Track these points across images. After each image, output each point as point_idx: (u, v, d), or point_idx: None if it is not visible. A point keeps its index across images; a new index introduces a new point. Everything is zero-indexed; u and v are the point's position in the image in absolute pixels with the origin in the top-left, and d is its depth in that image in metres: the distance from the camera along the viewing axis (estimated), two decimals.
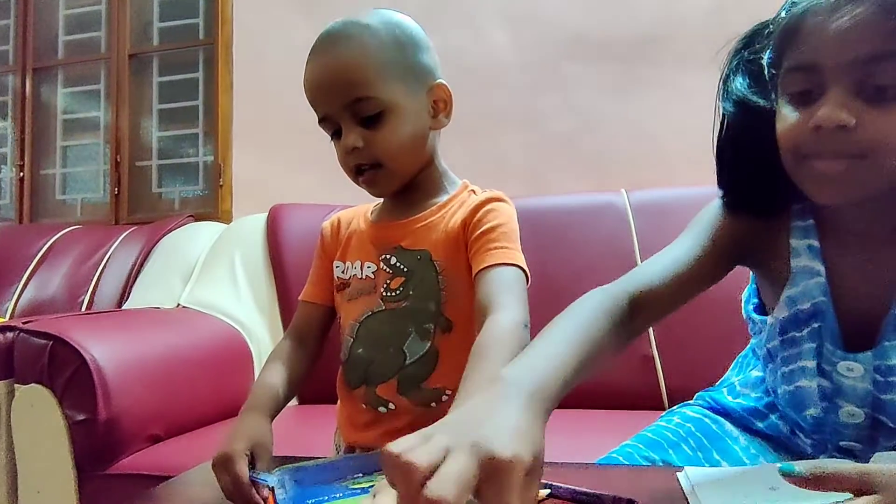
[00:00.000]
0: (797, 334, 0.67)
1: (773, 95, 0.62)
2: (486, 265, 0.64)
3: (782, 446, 0.73)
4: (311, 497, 0.53)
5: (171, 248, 1.84)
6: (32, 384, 1.13)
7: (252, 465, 0.59)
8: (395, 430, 0.67)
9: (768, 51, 0.63)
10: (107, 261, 1.86)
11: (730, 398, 0.82)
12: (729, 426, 0.79)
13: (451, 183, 0.74)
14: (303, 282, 1.71)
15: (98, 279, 1.83)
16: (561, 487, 0.58)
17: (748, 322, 0.77)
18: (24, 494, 1.10)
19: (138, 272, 1.81)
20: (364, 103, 0.65)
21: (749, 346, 0.86)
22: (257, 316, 1.64)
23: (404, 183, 0.70)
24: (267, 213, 1.77)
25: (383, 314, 0.69)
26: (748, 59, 0.67)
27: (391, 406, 0.68)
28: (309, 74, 0.68)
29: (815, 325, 0.66)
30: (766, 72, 0.63)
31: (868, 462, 0.58)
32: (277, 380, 0.69)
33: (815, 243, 0.65)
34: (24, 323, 1.20)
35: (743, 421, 0.78)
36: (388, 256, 0.70)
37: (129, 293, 1.77)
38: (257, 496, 0.56)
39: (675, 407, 0.93)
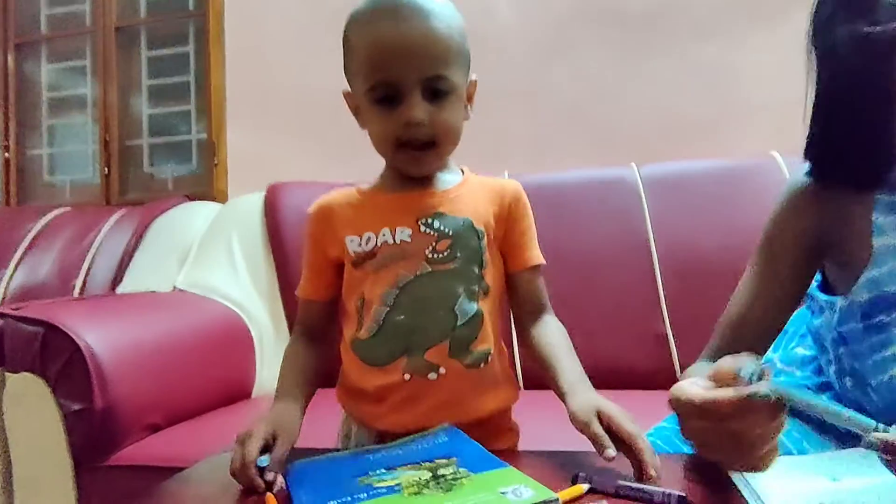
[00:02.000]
0: (885, 319, 0.62)
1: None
2: (533, 264, 0.74)
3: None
4: (333, 498, 0.49)
5: (165, 229, 1.78)
6: (24, 373, 1.08)
7: (267, 449, 0.60)
8: (441, 403, 0.67)
9: None
10: (99, 244, 1.80)
11: None
12: None
13: (452, 165, 0.77)
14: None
15: (91, 263, 1.77)
16: (604, 481, 0.53)
17: (812, 300, 0.72)
18: (19, 487, 1.05)
19: (132, 255, 1.75)
20: (440, 81, 0.66)
21: (790, 321, 0.81)
22: (257, 298, 1.59)
23: (438, 167, 0.72)
24: (264, 192, 1.71)
25: (430, 276, 0.68)
26: None
27: (441, 371, 0.67)
28: (386, 37, 0.65)
29: None
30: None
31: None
32: (300, 373, 0.72)
33: None
34: (13, 309, 1.14)
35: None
36: (430, 221, 0.69)
37: (122, 277, 1.71)
38: (259, 480, 0.57)
39: None
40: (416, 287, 0.67)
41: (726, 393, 0.46)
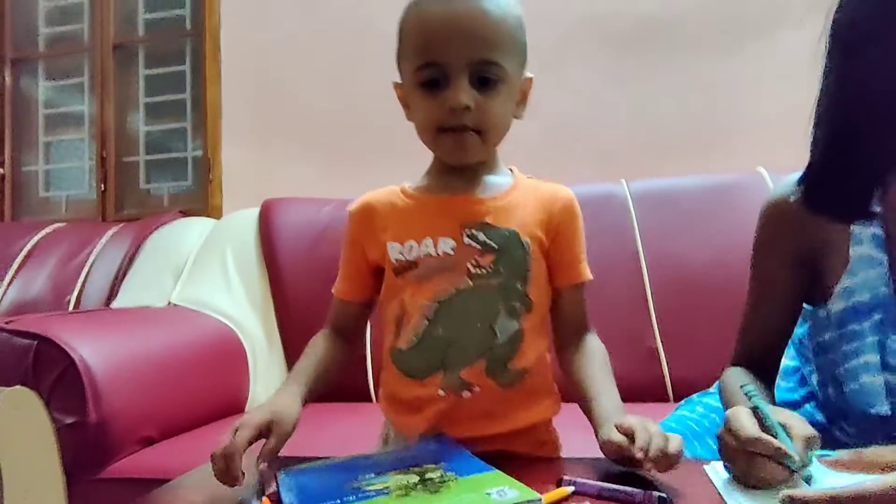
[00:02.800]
0: (857, 328, 0.65)
1: None
2: (579, 281, 0.71)
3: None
4: (322, 500, 0.50)
5: (160, 245, 1.79)
6: (17, 386, 1.08)
7: (261, 435, 0.59)
8: (477, 415, 0.66)
9: None
10: (94, 259, 1.81)
11: None
12: None
13: (501, 166, 0.74)
14: (297, 277, 1.67)
15: (85, 278, 1.77)
16: (586, 484, 0.55)
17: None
18: (11, 500, 1.05)
19: (127, 270, 1.76)
20: (490, 67, 0.63)
21: None
22: (251, 313, 1.60)
23: (482, 158, 0.69)
24: (259, 208, 1.73)
25: (472, 291, 0.66)
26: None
27: (476, 389, 0.66)
28: (436, 17, 0.63)
29: (877, 318, 0.63)
30: None
31: None
32: (315, 363, 0.70)
33: (880, 232, 0.62)
34: (6, 323, 1.15)
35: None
36: (473, 232, 0.66)
37: (117, 292, 1.72)
38: (238, 469, 0.56)
39: (695, 395, 0.90)
40: (456, 302, 0.65)
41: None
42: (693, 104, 1.73)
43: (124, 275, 1.74)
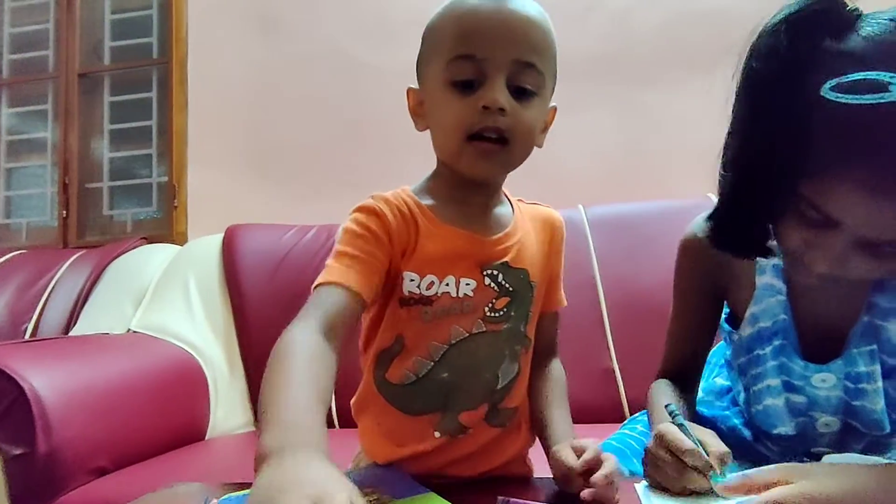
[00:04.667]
0: (760, 352, 0.68)
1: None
2: (560, 307, 0.73)
3: (746, 454, 0.73)
4: None
5: (121, 271, 1.78)
6: None
7: None
8: (465, 456, 0.65)
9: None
10: (53, 286, 1.79)
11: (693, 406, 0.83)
12: None
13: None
14: (259, 303, 1.67)
15: (44, 305, 1.75)
16: (520, 503, 0.56)
17: (722, 331, 0.78)
18: None
19: (87, 297, 1.73)
20: (530, 72, 0.59)
21: (713, 353, 0.87)
22: (213, 339, 1.59)
23: (505, 174, 0.66)
24: (222, 235, 1.73)
25: (483, 336, 0.63)
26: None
27: (469, 431, 0.64)
28: (483, 11, 0.59)
29: (777, 343, 0.67)
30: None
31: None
32: (320, 398, 0.48)
33: (779, 261, 0.66)
34: None
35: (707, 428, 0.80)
36: (495, 273, 0.63)
37: (76, 319, 1.69)
38: None
39: (637, 414, 0.93)
40: (468, 346, 0.62)
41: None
42: (646, 133, 1.80)
43: (84, 302, 1.72)
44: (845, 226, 0.51)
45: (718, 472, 0.55)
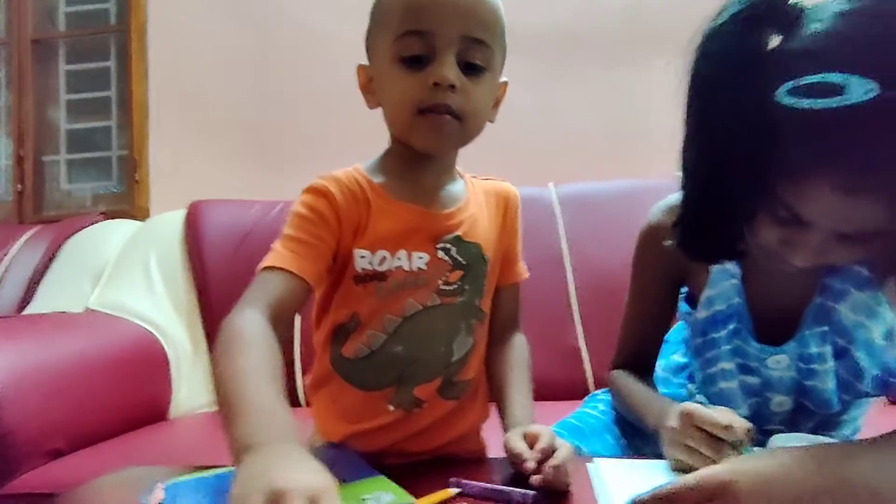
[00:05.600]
0: (715, 335, 0.69)
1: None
2: (519, 280, 0.73)
3: None
4: None
5: (79, 248, 1.72)
6: None
7: None
8: (419, 430, 0.65)
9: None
10: (8, 263, 1.72)
11: None
12: None
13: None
14: (223, 281, 1.63)
15: None
16: (471, 485, 0.56)
17: (680, 312, 0.79)
18: None
19: (43, 274, 1.68)
20: (480, 48, 0.59)
21: (672, 331, 0.87)
22: (175, 317, 1.55)
23: (456, 149, 0.66)
24: (185, 210, 1.68)
25: (437, 309, 0.63)
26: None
27: (424, 405, 0.65)
28: None
29: (731, 327, 0.68)
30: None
31: (766, 445, 0.60)
32: (278, 363, 0.50)
33: None
34: None
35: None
36: (448, 247, 0.64)
37: (31, 298, 1.64)
38: None
39: (597, 392, 0.94)
40: (423, 320, 0.63)
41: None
42: (615, 112, 1.79)
43: (40, 279, 1.67)
44: (821, 225, 0.50)
45: (749, 444, 0.55)
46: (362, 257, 0.62)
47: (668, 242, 0.65)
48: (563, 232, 1.56)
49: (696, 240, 0.61)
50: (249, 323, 0.52)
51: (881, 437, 0.48)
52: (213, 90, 1.94)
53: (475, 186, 0.70)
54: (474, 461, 0.70)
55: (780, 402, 0.69)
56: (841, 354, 0.65)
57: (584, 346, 1.46)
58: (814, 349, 0.64)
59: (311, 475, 0.39)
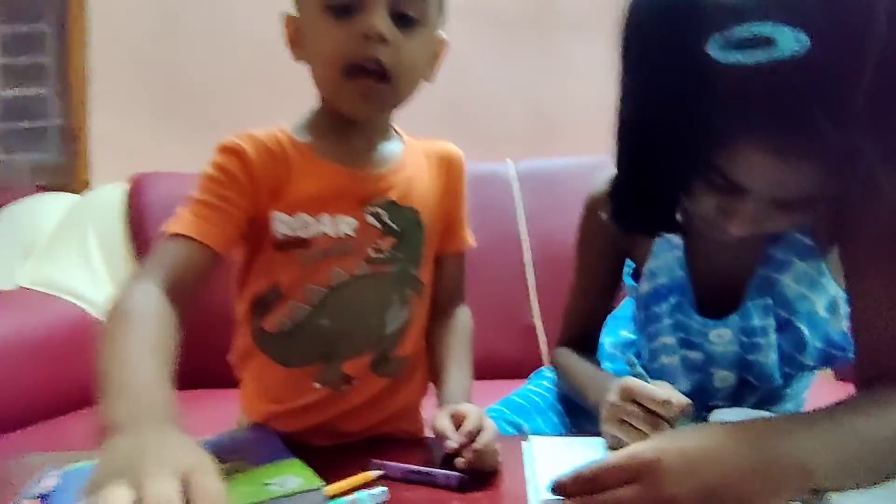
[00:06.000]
0: (657, 310, 0.68)
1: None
2: (464, 249, 0.69)
3: None
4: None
5: (12, 221, 1.62)
6: None
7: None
8: (355, 408, 0.62)
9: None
10: None
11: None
12: None
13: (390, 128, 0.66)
14: None
15: None
16: (393, 467, 0.53)
17: (626, 286, 0.77)
18: None
19: None
20: (413, 1, 0.55)
21: (620, 307, 0.86)
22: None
23: (387, 112, 0.62)
24: (128, 183, 1.60)
25: (367, 279, 0.60)
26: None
27: (355, 382, 0.61)
28: None
29: (673, 301, 0.66)
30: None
31: (709, 419, 0.58)
32: (165, 362, 0.45)
33: (678, 217, 0.64)
34: None
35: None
36: (378, 212, 0.60)
37: None
38: None
39: (542, 368, 0.92)
40: (351, 290, 0.59)
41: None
42: (576, 86, 1.76)
43: None
44: (756, 191, 0.49)
45: (687, 420, 0.54)
46: (281, 221, 0.58)
47: (604, 194, 0.64)
48: (520, 209, 1.54)
49: (629, 210, 0.59)
50: (140, 297, 0.49)
51: (817, 412, 0.46)
52: (157, 58, 1.84)
53: (414, 148, 0.66)
54: (411, 442, 0.67)
55: (724, 377, 0.68)
56: (784, 327, 0.63)
57: (540, 325, 1.45)
58: (756, 322, 0.63)
59: (181, 453, 0.35)
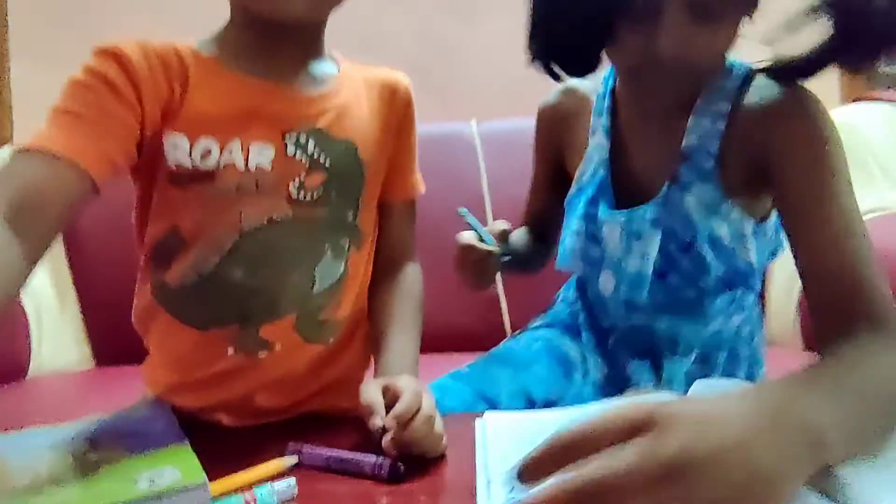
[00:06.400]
0: (576, 201, 0.68)
1: None
2: (413, 195, 0.62)
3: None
4: None
5: None
6: None
7: None
8: (278, 380, 0.52)
9: None
10: None
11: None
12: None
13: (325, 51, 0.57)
14: (97, 226, 1.42)
15: None
16: (313, 453, 0.43)
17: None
18: None
19: None
20: None
21: None
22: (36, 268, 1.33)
23: (323, 13, 0.50)
24: None
25: (290, 225, 0.50)
26: None
27: (277, 348, 0.51)
28: None
29: (590, 193, 0.66)
30: None
31: (687, 392, 0.51)
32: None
33: (606, 122, 0.65)
34: None
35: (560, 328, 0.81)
36: (302, 140, 0.50)
37: None
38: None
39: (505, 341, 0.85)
40: (269, 237, 0.49)
41: None
42: None
43: None
44: None
45: (498, 247, 0.65)
46: (175, 147, 0.47)
47: (552, 102, 0.73)
48: (484, 171, 1.47)
49: (549, 46, 0.60)
50: None
51: (810, 371, 0.40)
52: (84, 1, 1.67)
53: (352, 73, 0.56)
54: (346, 422, 0.57)
55: (606, 280, 0.66)
56: (686, 249, 0.61)
57: (503, 295, 1.37)
58: (646, 228, 0.60)
59: None
